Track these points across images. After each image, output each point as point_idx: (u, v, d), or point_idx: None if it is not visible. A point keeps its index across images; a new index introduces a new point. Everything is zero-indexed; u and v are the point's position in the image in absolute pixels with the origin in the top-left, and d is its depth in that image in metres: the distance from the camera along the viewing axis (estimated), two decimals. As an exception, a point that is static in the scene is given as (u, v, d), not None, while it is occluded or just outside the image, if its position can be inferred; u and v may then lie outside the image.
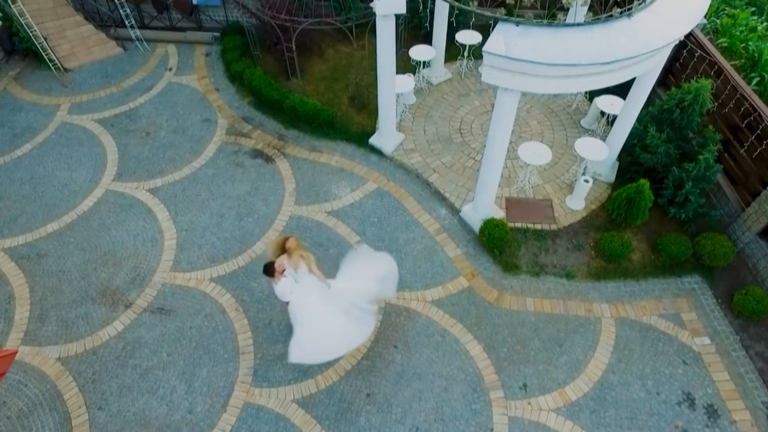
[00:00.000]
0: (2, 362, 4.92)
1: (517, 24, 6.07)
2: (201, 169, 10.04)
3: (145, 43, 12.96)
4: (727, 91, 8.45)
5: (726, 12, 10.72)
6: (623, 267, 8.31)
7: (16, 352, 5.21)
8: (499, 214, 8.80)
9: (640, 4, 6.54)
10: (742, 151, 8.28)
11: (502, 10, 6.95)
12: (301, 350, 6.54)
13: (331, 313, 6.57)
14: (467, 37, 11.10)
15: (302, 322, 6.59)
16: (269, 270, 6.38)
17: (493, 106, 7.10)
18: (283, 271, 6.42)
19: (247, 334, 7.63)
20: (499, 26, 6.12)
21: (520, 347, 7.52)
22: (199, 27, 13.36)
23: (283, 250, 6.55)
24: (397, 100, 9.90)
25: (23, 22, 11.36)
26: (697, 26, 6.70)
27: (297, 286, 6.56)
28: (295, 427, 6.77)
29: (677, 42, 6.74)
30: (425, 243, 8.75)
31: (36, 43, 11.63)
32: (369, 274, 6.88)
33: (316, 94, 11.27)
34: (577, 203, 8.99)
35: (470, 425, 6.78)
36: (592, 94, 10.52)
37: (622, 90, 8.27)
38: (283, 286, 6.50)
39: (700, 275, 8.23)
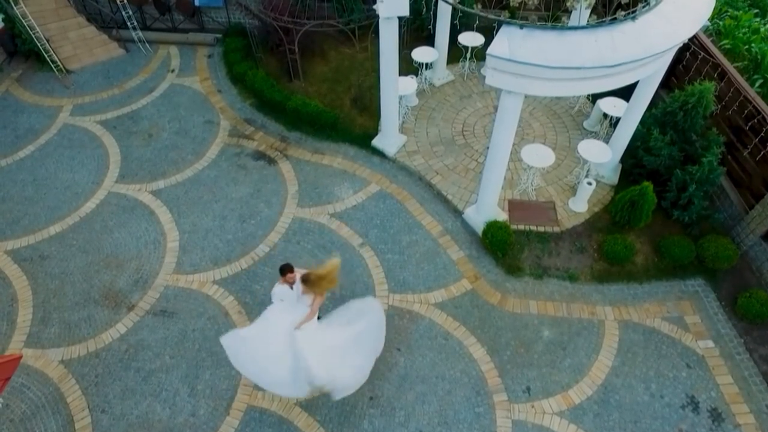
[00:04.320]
0: (7, 367, 4.92)
1: (521, 27, 6.06)
2: (203, 170, 10.04)
3: (147, 44, 12.96)
4: (730, 94, 8.43)
5: (729, 14, 10.71)
6: (626, 269, 8.30)
7: (20, 357, 5.20)
8: (502, 216, 8.79)
9: (644, 6, 6.52)
10: (745, 153, 8.27)
11: (506, 13, 6.91)
12: (235, 342, 6.27)
13: (281, 347, 6.04)
14: (470, 38, 11.10)
15: (257, 326, 6.32)
16: (286, 270, 6.19)
17: (495, 108, 7.10)
18: (292, 283, 6.26)
19: (250, 337, 7.61)
20: (503, 29, 6.11)
21: (524, 350, 7.51)
22: (201, 28, 13.36)
23: (315, 279, 6.09)
24: (399, 102, 9.89)
25: (26, 24, 11.36)
26: (700, 28, 6.67)
27: (287, 303, 6.33)
28: (298, 430, 6.76)
29: (681, 44, 6.72)
30: (428, 245, 8.74)
31: (38, 45, 11.63)
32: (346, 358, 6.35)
33: (319, 96, 11.27)
34: (580, 205, 8.98)
35: (473, 428, 6.77)
36: (594, 96, 10.50)
37: (625, 92, 8.25)
38: (278, 292, 6.36)
39: (703, 278, 8.22)
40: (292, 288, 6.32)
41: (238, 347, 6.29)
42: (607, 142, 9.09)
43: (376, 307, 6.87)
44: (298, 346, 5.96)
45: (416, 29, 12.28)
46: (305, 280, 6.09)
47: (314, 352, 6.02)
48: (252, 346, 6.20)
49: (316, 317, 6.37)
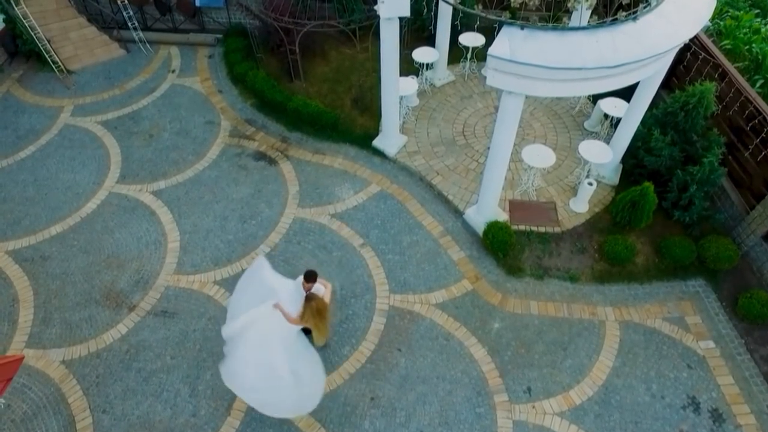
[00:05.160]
0: (9, 368, 4.92)
1: (522, 27, 6.06)
2: (204, 171, 10.04)
3: (147, 45, 12.96)
4: (731, 94, 8.43)
5: (730, 14, 10.70)
6: (627, 270, 8.30)
7: (22, 358, 5.21)
8: (503, 216, 8.79)
9: (645, 7, 6.52)
10: (746, 153, 8.27)
11: (507, 13, 6.92)
12: (258, 268, 6.38)
13: (261, 303, 6.24)
14: (470, 39, 11.10)
15: (275, 281, 6.36)
16: (306, 276, 6.23)
17: (496, 108, 7.11)
18: (308, 289, 6.28)
19: (250, 337, 7.61)
20: (504, 30, 6.12)
21: (524, 350, 7.51)
22: (202, 29, 13.36)
23: (313, 307, 6.15)
24: (400, 102, 9.89)
25: (27, 24, 11.36)
26: (700, 29, 6.68)
27: (295, 291, 6.35)
28: (299, 430, 6.77)
29: (682, 45, 6.72)
30: (429, 245, 8.75)
31: (39, 45, 11.64)
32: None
33: (319, 96, 11.27)
34: (580, 206, 8.98)
35: (474, 429, 6.77)
36: (595, 97, 10.50)
37: (625, 92, 8.25)
38: (299, 282, 6.36)
39: (704, 278, 8.22)
40: (314, 284, 6.34)
41: (255, 274, 6.39)
42: (607, 143, 9.10)
43: (314, 393, 6.47)
44: (259, 309, 6.07)
45: (417, 30, 12.28)
46: (308, 298, 6.12)
47: (253, 324, 6.10)
48: (258, 284, 6.30)
49: (298, 328, 6.35)
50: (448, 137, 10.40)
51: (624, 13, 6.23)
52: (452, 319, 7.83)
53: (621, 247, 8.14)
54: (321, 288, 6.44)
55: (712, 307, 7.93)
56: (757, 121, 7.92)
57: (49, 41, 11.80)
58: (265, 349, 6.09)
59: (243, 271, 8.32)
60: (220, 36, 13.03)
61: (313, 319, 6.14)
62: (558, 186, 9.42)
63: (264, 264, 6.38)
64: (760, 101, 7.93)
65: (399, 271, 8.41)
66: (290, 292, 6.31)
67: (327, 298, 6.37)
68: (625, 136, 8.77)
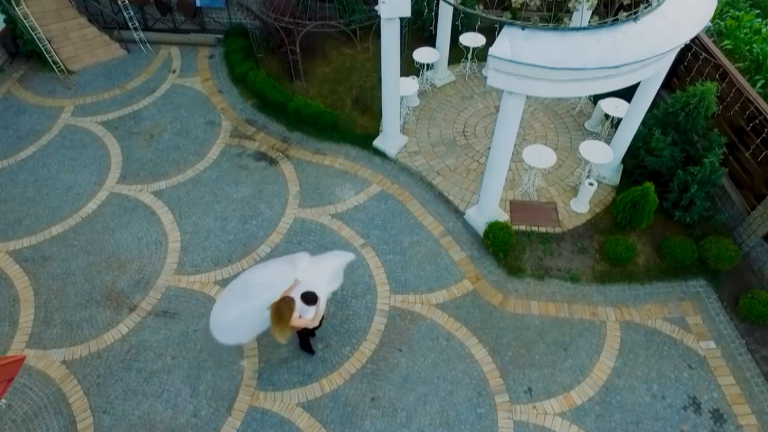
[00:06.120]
0: (10, 368, 4.93)
1: (523, 28, 6.06)
2: (205, 171, 10.04)
3: (148, 45, 12.97)
4: (732, 94, 8.43)
5: (730, 14, 10.69)
6: (628, 270, 8.30)
7: (23, 358, 5.21)
8: (504, 216, 8.79)
9: (646, 7, 6.52)
10: (747, 154, 8.26)
11: (508, 14, 6.94)
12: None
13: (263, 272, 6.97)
14: (471, 39, 11.10)
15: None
16: (307, 296, 6.33)
17: (497, 108, 7.12)
18: (305, 302, 6.36)
19: (251, 338, 7.62)
20: (505, 30, 6.12)
21: (525, 351, 7.51)
22: (203, 29, 13.37)
23: (285, 310, 6.24)
24: (400, 103, 9.89)
25: (27, 24, 11.36)
26: (701, 29, 6.68)
27: (307, 286, 6.43)
28: (300, 430, 6.77)
29: (683, 45, 6.72)
30: (429, 246, 8.74)
31: (40, 45, 11.64)
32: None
33: (320, 97, 11.27)
34: (581, 206, 8.97)
35: (475, 429, 6.77)
36: (596, 97, 10.49)
37: (626, 93, 8.24)
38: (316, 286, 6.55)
39: (705, 279, 8.22)
40: (307, 306, 6.35)
41: (333, 256, 7.41)
42: (608, 143, 9.09)
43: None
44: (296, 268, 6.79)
45: (417, 30, 12.28)
46: (283, 300, 6.19)
47: (280, 266, 6.95)
48: (323, 259, 7.22)
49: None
50: (448, 137, 10.40)
51: (625, 14, 6.23)
52: (453, 319, 7.83)
53: (622, 248, 8.14)
54: (311, 313, 6.38)
55: (713, 308, 7.92)
56: (757, 121, 7.92)
57: (49, 41, 11.80)
58: (257, 289, 6.58)
59: (243, 271, 8.39)
60: (220, 36, 13.04)
61: (272, 315, 6.15)
62: (559, 186, 9.42)
63: (344, 256, 7.25)
64: (760, 101, 7.93)
65: (400, 271, 8.41)
66: (309, 286, 6.44)
67: (300, 323, 6.32)
68: (625, 136, 8.76)
